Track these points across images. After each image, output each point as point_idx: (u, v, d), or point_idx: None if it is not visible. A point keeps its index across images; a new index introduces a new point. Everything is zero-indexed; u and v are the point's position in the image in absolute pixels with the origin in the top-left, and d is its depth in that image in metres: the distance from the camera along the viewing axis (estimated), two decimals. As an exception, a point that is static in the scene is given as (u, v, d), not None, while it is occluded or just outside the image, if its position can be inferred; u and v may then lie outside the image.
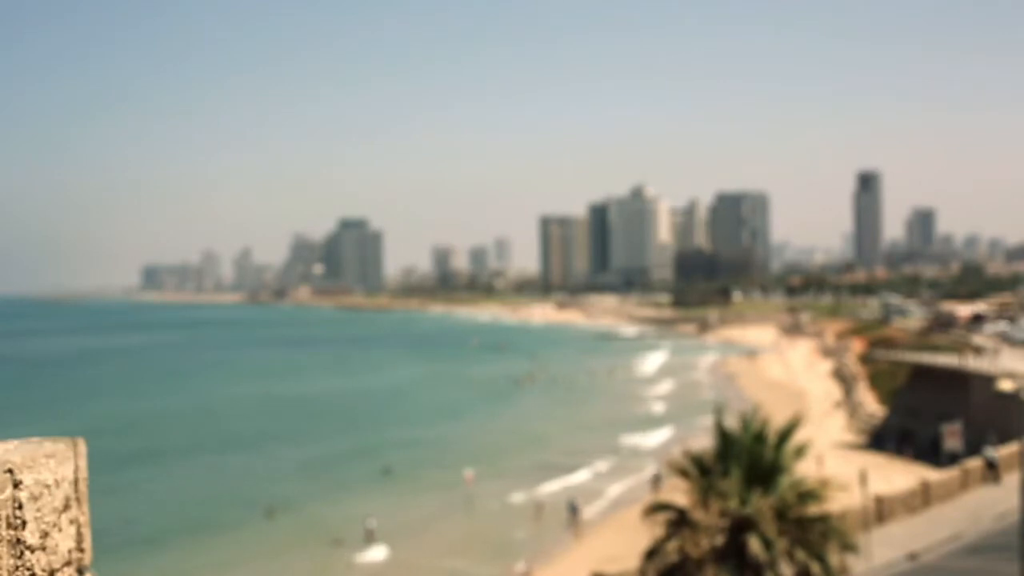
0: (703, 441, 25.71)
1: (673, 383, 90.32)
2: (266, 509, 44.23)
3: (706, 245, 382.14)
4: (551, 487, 47.44)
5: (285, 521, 43.00)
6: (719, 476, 21.63)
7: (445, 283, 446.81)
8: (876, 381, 66.92)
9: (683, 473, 22.69)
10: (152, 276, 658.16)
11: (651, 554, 21.61)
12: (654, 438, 60.83)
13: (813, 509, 21.57)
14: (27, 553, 2.13)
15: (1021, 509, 24.03)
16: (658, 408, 75.48)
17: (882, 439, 52.89)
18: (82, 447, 2.44)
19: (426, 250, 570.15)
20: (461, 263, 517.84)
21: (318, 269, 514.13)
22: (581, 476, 50.46)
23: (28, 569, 2.13)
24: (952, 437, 43.03)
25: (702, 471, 22.09)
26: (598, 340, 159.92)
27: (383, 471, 53.40)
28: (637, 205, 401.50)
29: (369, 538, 39.64)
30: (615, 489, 47.40)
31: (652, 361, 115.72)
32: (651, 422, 67.72)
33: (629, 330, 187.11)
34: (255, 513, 43.99)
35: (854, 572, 24.79)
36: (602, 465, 53.17)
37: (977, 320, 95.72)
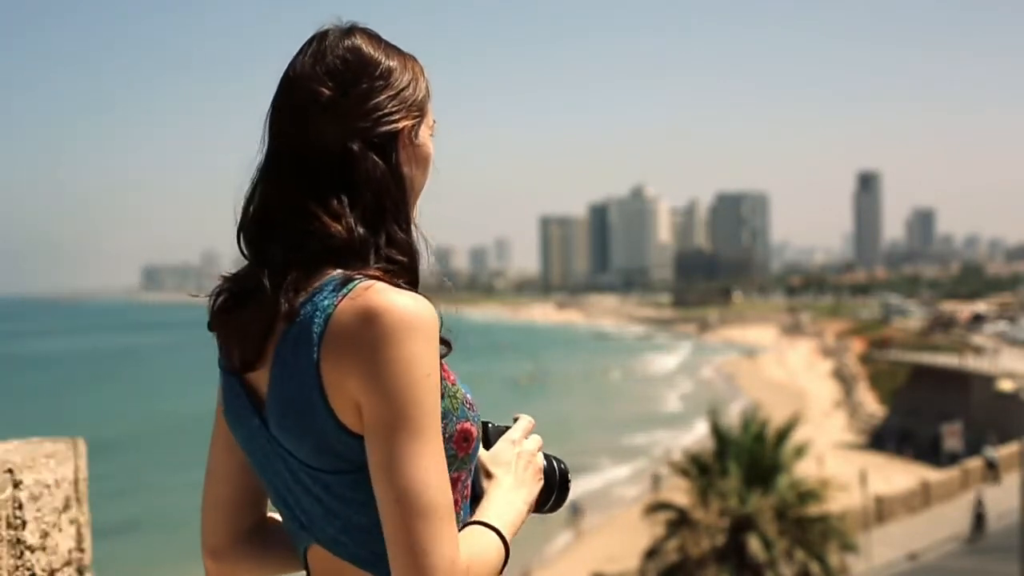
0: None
1: (691, 383, 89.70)
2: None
3: (706, 245, 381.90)
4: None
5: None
6: (719, 476, 21.64)
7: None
8: (876, 381, 66.82)
9: (683, 472, 22.72)
10: (152, 276, 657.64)
11: (651, 554, 21.63)
12: (686, 437, 60.04)
13: (813, 509, 21.58)
14: (27, 553, 2.13)
15: (1021, 509, 24.04)
16: (681, 406, 75.02)
17: (882, 439, 52.79)
18: (82, 447, 2.44)
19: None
20: (461, 263, 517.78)
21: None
22: (593, 477, 50.05)
23: (28, 569, 2.13)
24: (952, 437, 42.99)
25: (702, 471, 22.11)
26: (600, 340, 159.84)
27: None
28: (637, 205, 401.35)
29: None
30: (623, 489, 47.24)
31: (663, 361, 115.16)
32: (675, 420, 67.39)
33: (632, 330, 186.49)
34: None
35: (854, 572, 24.79)
36: (615, 464, 52.81)
37: (977, 320, 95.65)
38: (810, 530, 21.15)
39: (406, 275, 1.35)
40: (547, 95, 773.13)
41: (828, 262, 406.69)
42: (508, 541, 1.35)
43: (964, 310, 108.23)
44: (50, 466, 2.24)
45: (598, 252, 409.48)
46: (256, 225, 1.37)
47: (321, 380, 1.26)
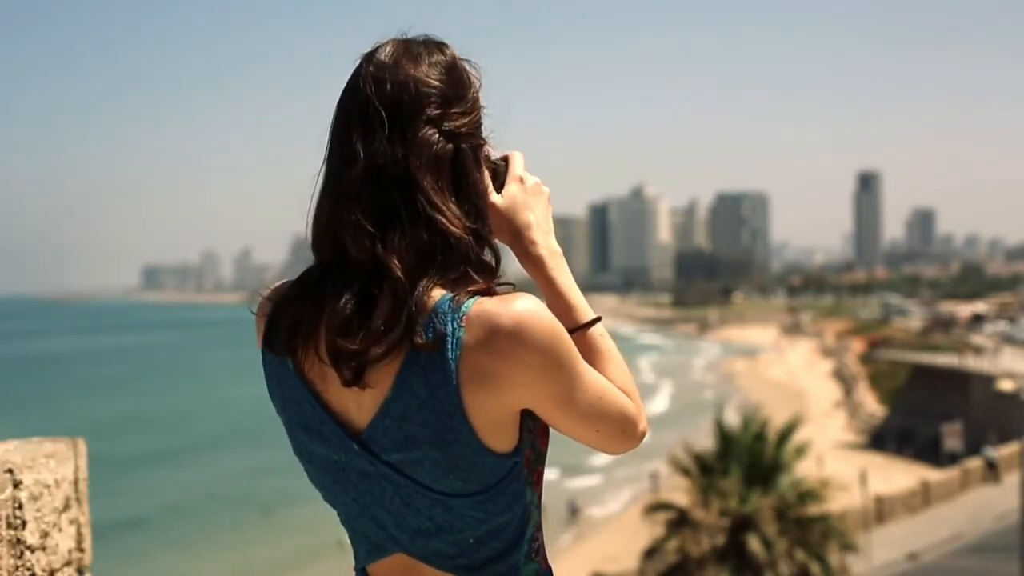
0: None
1: (713, 381, 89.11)
2: (263, 508, 44.00)
3: (706, 245, 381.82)
4: (552, 486, 47.20)
5: (284, 520, 42.80)
6: (719, 475, 21.65)
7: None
8: (876, 381, 66.77)
9: (684, 472, 22.72)
10: (152, 276, 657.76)
11: (651, 554, 21.64)
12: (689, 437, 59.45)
13: (813, 509, 21.59)
14: (27, 553, 2.13)
15: (1021, 509, 24.05)
16: (688, 406, 74.71)
17: (882, 439, 52.80)
18: (82, 447, 2.44)
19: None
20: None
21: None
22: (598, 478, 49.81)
23: (28, 569, 2.13)
24: (952, 437, 42.99)
25: (702, 470, 22.11)
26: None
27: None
28: (637, 205, 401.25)
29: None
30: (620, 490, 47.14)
31: (679, 361, 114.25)
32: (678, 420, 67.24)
33: (635, 329, 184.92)
34: (252, 512, 43.80)
35: (854, 572, 24.79)
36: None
37: (977, 320, 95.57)
38: (810, 530, 21.16)
39: (494, 278, 1.37)
40: (547, 95, 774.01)
41: (828, 262, 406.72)
42: (591, 311, 1.50)
43: (964, 310, 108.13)
44: (50, 466, 2.23)
45: (598, 252, 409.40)
46: (372, 222, 1.31)
47: (464, 407, 1.27)
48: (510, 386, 1.28)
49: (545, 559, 1.45)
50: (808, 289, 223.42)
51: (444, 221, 1.31)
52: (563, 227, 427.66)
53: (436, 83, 1.35)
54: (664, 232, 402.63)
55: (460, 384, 1.26)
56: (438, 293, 1.29)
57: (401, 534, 1.36)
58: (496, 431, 1.30)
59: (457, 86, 1.38)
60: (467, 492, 1.31)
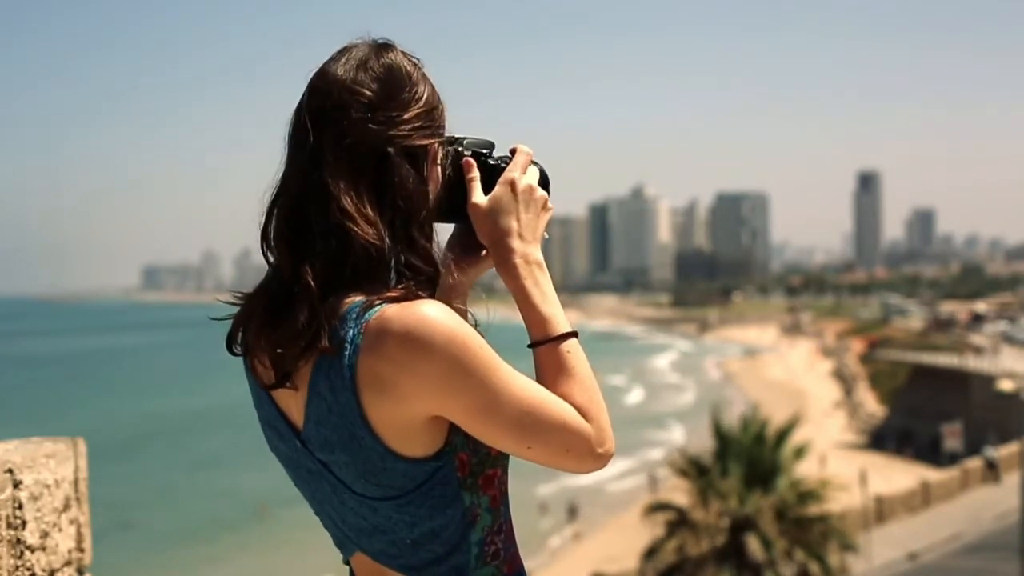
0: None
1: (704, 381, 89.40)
2: (257, 508, 43.87)
3: (706, 245, 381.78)
4: (553, 486, 47.21)
5: (279, 521, 42.67)
6: (718, 476, 21.65)
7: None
8: (876, 381, 66.80)
9: (683, 473, 22.72)
10: (152, 276, 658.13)
11: (651, 554, 21.64)
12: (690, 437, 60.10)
13: (813, 509, 21.60)
14: (27, 553, 2.13)
15: (1021, 509, 24.05)
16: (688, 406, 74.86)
17: (882, 439, 52.83)
18: (82, 447, 2.44)
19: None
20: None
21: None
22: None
23: (28, 569, 2.13)
24: (952, 437, 43.01)
25: (701, 471, 22.12)
26: (607, 341, 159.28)
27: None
28: (637, 205, 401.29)
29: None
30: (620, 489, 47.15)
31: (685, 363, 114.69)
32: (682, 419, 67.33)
33: (642, 328, 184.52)
34: (246, 513, 43.69)
35: (854, 572, 24.80)
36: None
37: (977, 320, 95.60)
38: (810, 530, 21.16)
39: (427, 287, 1.35)
40: (547, 95, 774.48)
41: (828, 262, 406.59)
42: (564, 325, 1.41)
43: (964, 310, 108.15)
44: (50, 466, 2.23)
45: (598, 252, 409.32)
46: (289, 230, 1.35)
47: (364, 413, 1.28)
48: (406, 393, 1.27)
49: (512, 563, 1.42)
50: (808, 289, 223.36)
51: (355, 228, 1.30)
52: (563, 227, 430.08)
53: (361, 87, 1.35)
54: (664, 232, 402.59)
55: (358, 390, 1.27)
56: (352, 299, 1.30)
57: (349, 531, 1.39)
58: (404, 437, 1.29)
59: (390, 87, 1.37)
60: (385, 496, 1.32)
